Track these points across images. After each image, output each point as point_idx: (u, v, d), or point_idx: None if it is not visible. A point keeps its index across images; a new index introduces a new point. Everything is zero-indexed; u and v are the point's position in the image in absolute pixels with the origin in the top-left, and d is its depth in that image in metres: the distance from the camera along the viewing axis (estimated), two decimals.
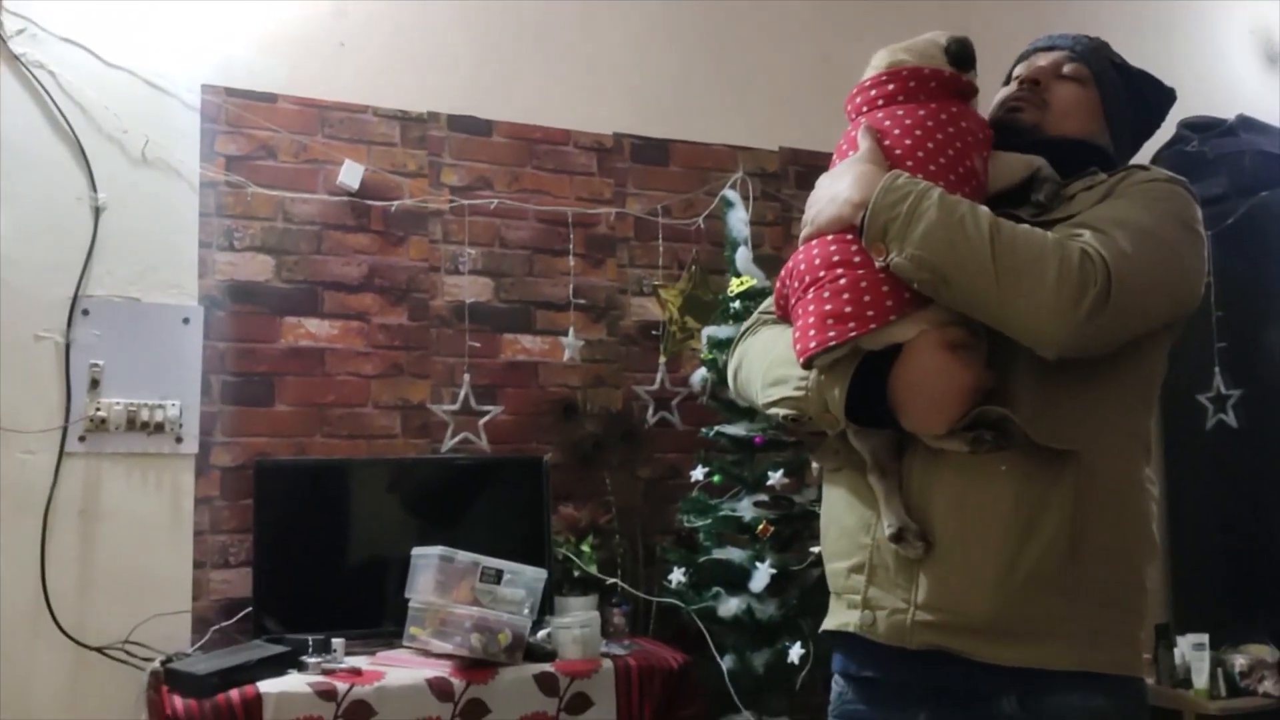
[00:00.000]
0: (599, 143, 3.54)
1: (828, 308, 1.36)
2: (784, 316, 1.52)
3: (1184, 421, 4.18)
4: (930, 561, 1.38)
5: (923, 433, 1.38)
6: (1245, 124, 4.23)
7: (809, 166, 3.76)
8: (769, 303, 1.60)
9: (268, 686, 2.44)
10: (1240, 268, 4.00)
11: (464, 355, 3.26)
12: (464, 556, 2.68)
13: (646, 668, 2.80)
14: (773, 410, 1.48)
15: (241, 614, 2.87)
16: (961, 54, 1.53)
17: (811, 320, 1.37)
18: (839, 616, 1.51)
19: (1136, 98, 1.63)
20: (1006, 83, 1.66)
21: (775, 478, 3.03)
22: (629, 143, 3.58)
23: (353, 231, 3.19)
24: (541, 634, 2.81)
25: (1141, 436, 1.45)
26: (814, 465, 1.66)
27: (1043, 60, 1.61)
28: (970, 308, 1.33)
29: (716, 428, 3.16)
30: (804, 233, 1.46)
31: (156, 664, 2.61)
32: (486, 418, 3.23)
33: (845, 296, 1.35)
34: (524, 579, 2.72)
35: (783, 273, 1.49)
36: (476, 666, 2.62)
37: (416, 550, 2.70)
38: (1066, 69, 1.59)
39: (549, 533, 3.08)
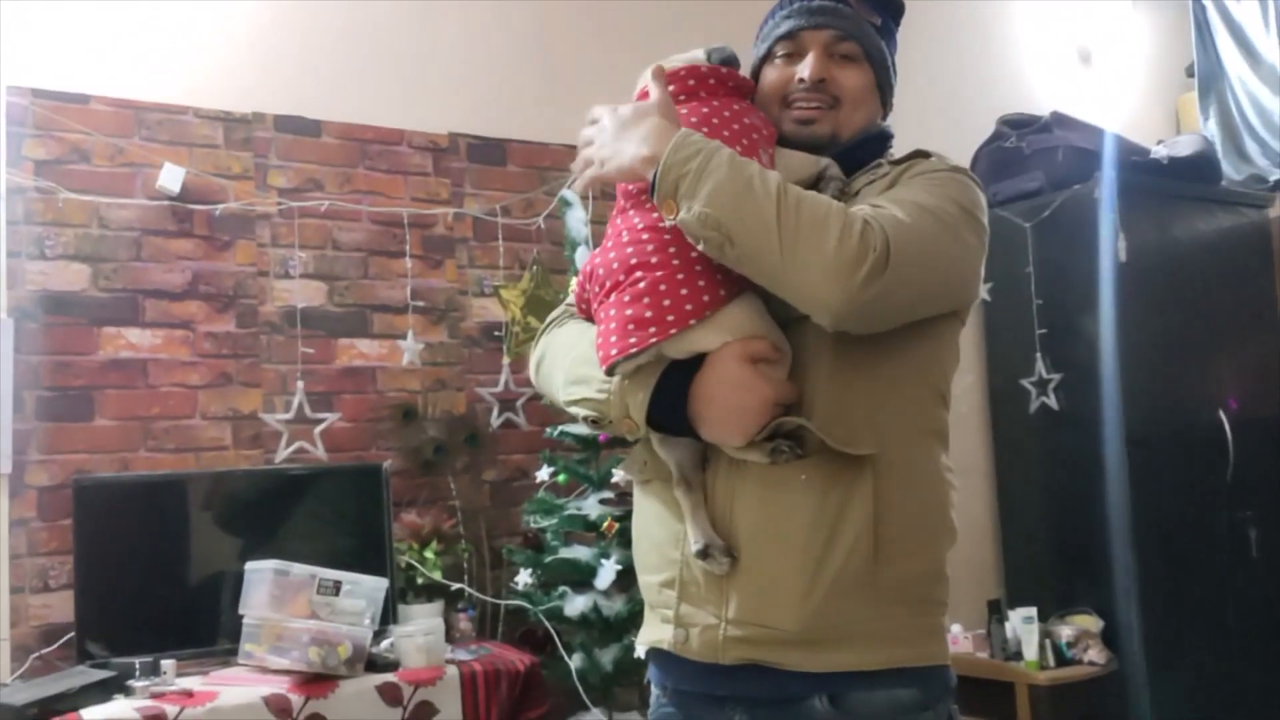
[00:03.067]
0: (434, 142, 3.50)
1: (628, 312, 1.35)
2: (587, 317, 1.51)
3: (1008, 405, 4.37)
4: (737, 576, 1.39)
5: (722, 444, 1.39)
6: (1059, 121, 4.43)
7: None
8: (574, 295, 1.58)
9: (92, 714, 2.33)
10: (1057, 258, 4.20)
11: (297, 362, 3.18)
12: (300, 569, 2.61)
13: (493, 671, 2.78)
14: (573, 409, 1.48)
15: (63, 639, 2.73)
16: (725, 63, 1.53)
17: (614, 326, 1.37)
18: (654, 631, 1.51)
19: (893, 39, 1.60)
20: (765, 58, 1.57)
21: (620, 475, 3.04)
22: (465, 142, 3.55)
23: (175, 237, 3.07)
24: (384, 644, 2.76)
25: (938, 429, 1.47)
26: (624, 477, 1.66)
27: (813, 44, 1.52)
28: (753, 269, 1.33)
29: (561, 427, 3.15)
30: (587, 174, 1.42)
31: None
32: (322, 426, 3.16)
33: (645, 301, 1.35)
34: (363, 589, 2.67)
35: (581, 275, 1.48)
36: (316, 680, 2.56)
37: (250, 564, 2.62)
38: (842, 50, 1.52)
39: (390, 541, 3.03)
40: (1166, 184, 4.30)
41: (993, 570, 4.40)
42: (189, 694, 2.46)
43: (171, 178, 3.03)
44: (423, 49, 3.51)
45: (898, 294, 1.31)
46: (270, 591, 2.57)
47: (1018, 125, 4.48)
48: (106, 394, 2.94)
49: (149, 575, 2.80)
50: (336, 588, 2.63)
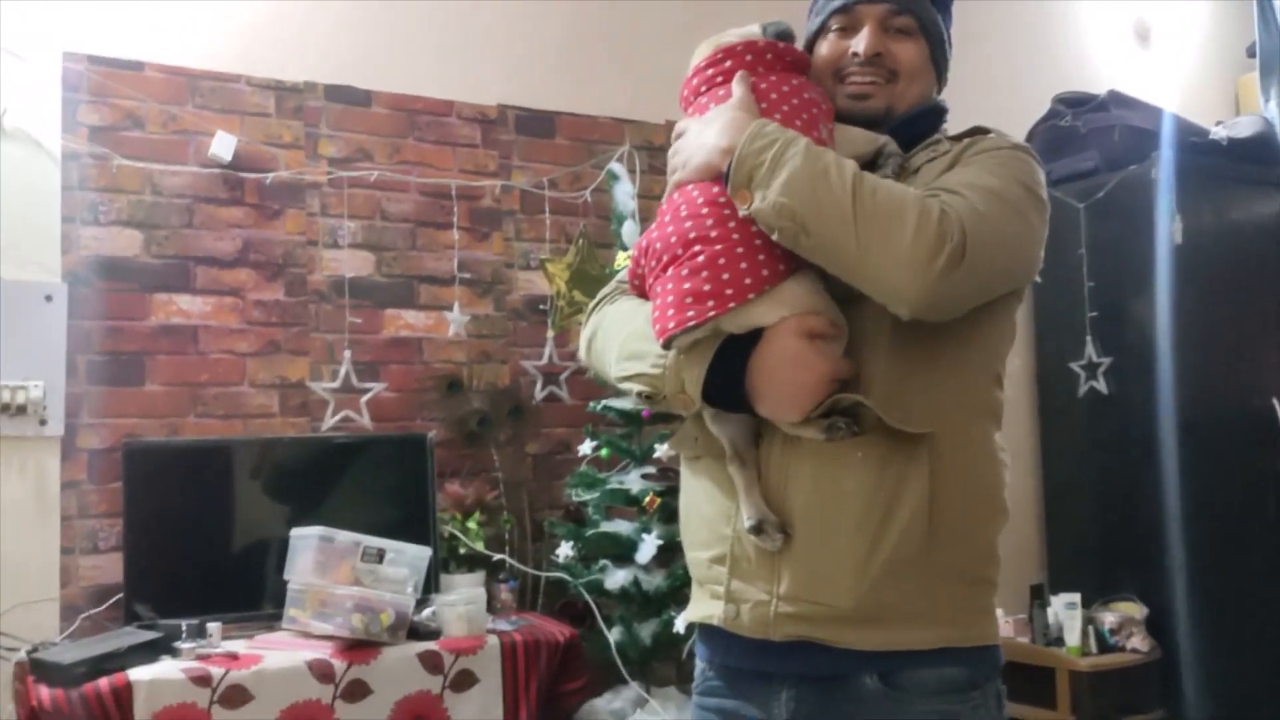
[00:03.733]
0: (483, 114, 3.49)
1: (686, 286, 1.34)
2: (641, 294, 1.50)
3: (1057, 388, 4.31)
4: (791, 552, 1.39)
5: (778, 420, 1.38)
6: (1116, 99, 4.35)
7: None
8: (625, 272, 1.57)
9: (139, 674, 2.36)
10: (1110, 239, 4.13)
11: (344, 331, 3.20)
12: (344, 536, 2.64)
13: (533, 642, 2.79)
14: (626, 385, 1.46)
15: (112, 600, 2.78)
16: (782, 36, 1.52)
17: (670, 300, 1.35)
18: (703, 607, 1.51)
19: (949, 12, 1.60)
20: (819, 31, 1.56)
21: (662, 450, 3.04)
22: (514, 114, 3.54)
23: (226, 205, 3.09)
24: (426, 612, 2.78)
25: (992, 408, 1.47)
26: (668, 452, 1.65)
27: (868, 17, 1.51)
28: (828, 259, 1.32)
29: (605, 402, 3.16)
30: (674, 178, 1.45)
31: (22, 654, 2.51)
32: (368, 395, 3.18)
33: (704, 275, 1.33)
34: (407, 558, 2.69)
35: (636, 251, 1.47)
36: (358, 647, 2.58)
37: (295, 530, 2.66)
38: (897, 23, 1.51)
39: (434, 511, 3.05)
40: (1225, 166, 4.21)
41: (1035, 555, 4.36)
42: (234, 656, 2.50)
43: (223, 146, 3.05)
44: (473, 20, 3.50)
45: (972, 283, 1.31)
46: (315, 558, 2.60)
47: (1074, 104, 4.39)
48: (157, 359, 2.97)
49: (196, 539, 2.84)
50: (380, 555, 2.66)
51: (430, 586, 2.84)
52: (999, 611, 3.92)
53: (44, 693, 2.33)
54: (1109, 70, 4.77)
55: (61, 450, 2.82)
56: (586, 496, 3.12)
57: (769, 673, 1.44)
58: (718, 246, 1.34)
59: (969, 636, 1.41)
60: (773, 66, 1.48)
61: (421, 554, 2.72)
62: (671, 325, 1.34)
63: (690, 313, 1.33)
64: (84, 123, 2.93)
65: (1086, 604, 3.83)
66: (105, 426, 2.88)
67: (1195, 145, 4.14)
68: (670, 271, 1.37)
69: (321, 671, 2.51)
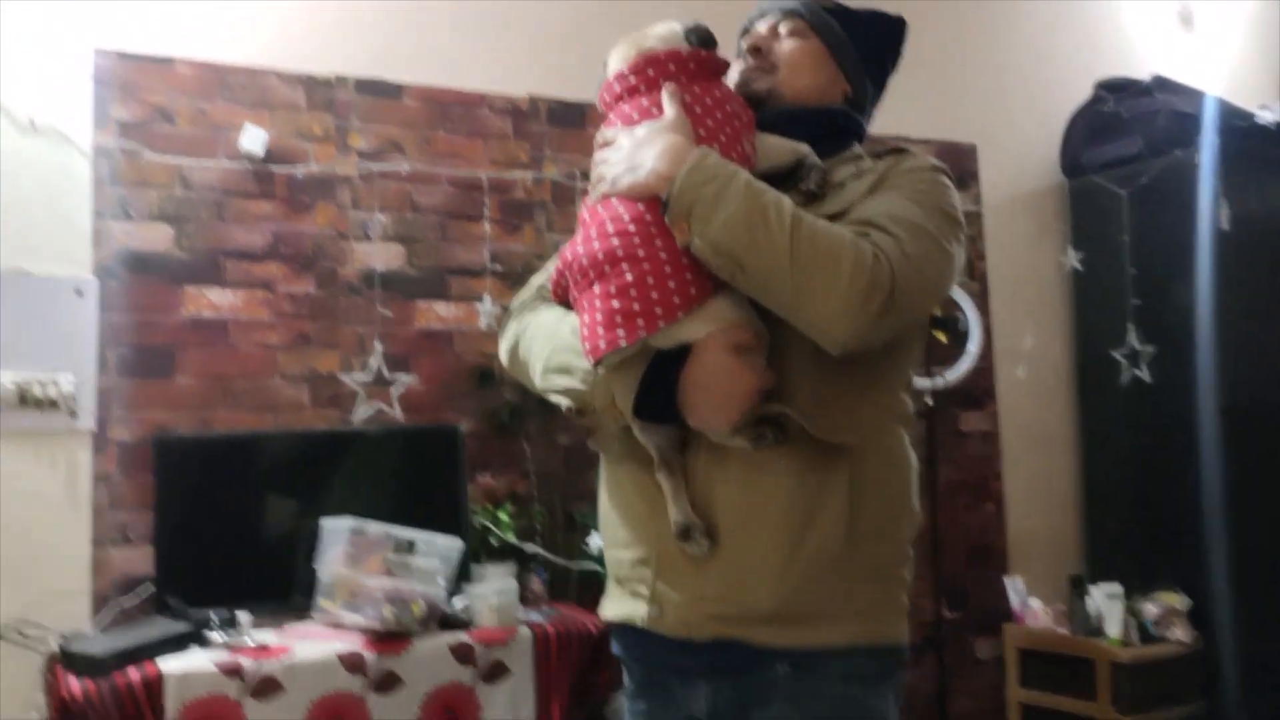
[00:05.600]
0: (514, 105, 3.48)
1: (615, 305, 1.35)
2: (562, 303, 1.52)
3: (1098, 376, 4.25)
4: (716, 555, 1.43)
5: (708, 431, 1.41)
6: (1160, 84, 4.27)
7: None
8: (544, 277, 1.60)
9: (170, 665, 2.37)
10: (1154, 226, 4.06)
11: (375, 324, 3.20)
12: (375, 528, 2.64)
13: (565, 634, 2.78)
14: (553, 397, 1.49)
15: (143, 591, 2.80)
16: (705, 41, 1.54)
17: (600, 318, 1.36)
18: (622, 606, 1.54)
19: (863, 35, 1.65)
20: (739, 57, 1.66)
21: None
22: (545, 105, 3.52)
23: (256, 198, 3.10)
24: (457, 603, 2.78)
25: (904, 413, 1.53)
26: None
27: (761, 28, 1.63)
28: (763, 297, 1.36)
29: None
30: (597, 190, 1.45)
31: (53, 644, 2.53)
32: (399, 387, 3.18)
33: (632, 294, 1.34)
34: (438, 549, 2.69)
35: (560, 261, 1.47)
36: (389, 638, 2.58)
37: (326, 522, 2.65)
38: (783, 28, 1.61)
39: (465, 502, 3.04)
40: (1272, 150, 4.12)
41: (1075, 544, 4.30)
42: (264, 648, 2.50)
43: (253, 139, 3.06)
44: (503, 11, 3.49)
45: (899, 322, 1.37)
46: (346, 549, 2.60)
47: (1116, 89, 4.32)
48: (188, 353, 2.98)
49: (226, 530, 2.85)
50: (411, 546, 2.65)
51: (462, 578, 2.83)
52: (1036, 601, 3.90)
53: (74, 683, 2.34)
54: (1152, 54, 4.69)
55: (93, 443, 2.84)
56: None
57: (687, 668, 1.49)
58: (645, 265, 1.35)
59: (881, 634, 1.47)
60: (696, 76, 1.50)
61: (452, 545, 2.71)
62: (602, 345, 1.35)
63: (620, 332, 1.34)
64: (115, 118, 2.95)
65: (1127, 594, 3.77)
66: (136, 420, 2.90)
67: (1240, 129, 4.06)
68: (597, 288, 1.38)
69: (353, 663, 2.51)
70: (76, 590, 2.75)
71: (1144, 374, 4.02)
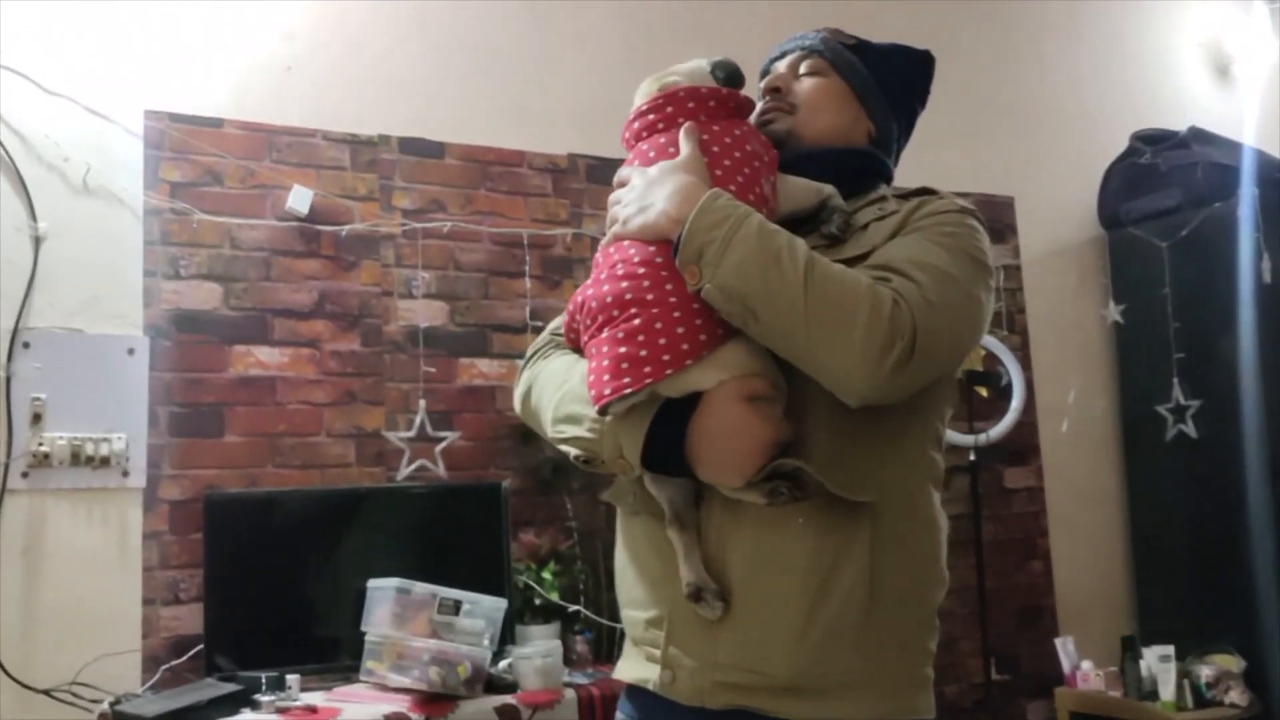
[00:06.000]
0: (553, 163, 3.51)
1: (622, 350, 1.30)
2: (575, 348, 1.47)
3: (1144, 432, 4.20)
4: (729, 619, 1.36)
5: (719, 484, 1.35)
6: (1197, 136, 4.27)
7: None
8: (559, 322, 1.55)
9: None
10: (1196, 279, 4.04)
11: (419, 381, 3.21)
12: (421, 588, 2.62)
13: (610, 696, 2.74)
14: (563, 447, 1.43)
15: (193, 652, 2.79)
16: (731, 79, 1.50)
17: (606, 364, 1.31)
18: (637, 669, 1.46)
19: (886, 70, 1.59)
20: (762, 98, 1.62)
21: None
22: (584, 163, 3.55)
23: (302, 257, 3.13)
24: (502, 665, 2.75)
25: (933, 471, 1.45)
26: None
27: (780, 67, 1.59)
28: (777, 345, 1.30)
29: None
30: (614, 230, 1.40)
31: (105, 706, 2.51)
32: (443, 444, 3.18)
33: (640, 339, 1.29)
34: (483, 609, 2.67)
35: (571, 305, 1.43)
36: (436, 700, 2.56)
37: (372, 582, 2.64)
38: (803, 67, 1.57)
39: (509, 560, 3.02)
40: None
41: (1126, 605, 4.23)
42: (313, 710, 2.48)
43: (300, 199, 3.09)
44: (542, 72, 3.53)
45: (922, 375, 1.29)
46: (392, 610, 2.59)
47: (1153, 141, 4.32)
48: (236, 410, 2.99)
49: (275, 590, 2.84)
50: (457, 607, 2.63)
51: (506, 638, 2.80)
52: (1087, 664, 3.83)
53: None
54: (1188, 106, 4.69)
55: (143, 501, 2.84)
56: None
57: None
58: (654, 310, 1.30)
59: (907, 709, 1.39)
60: (715, 114, 1.45)
61: (498, 605, 2.69)
62: (608, 392, 1.30)
63: (626, 379, 1.29)
64: (165, 179, 2.99)
65: (1181, 656, 3.69)
66: (186, 477, 2.90)
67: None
68: (605, 333, 1.33)
69: None
70: (127, 649, 2.74)
71: (1190, 429, 3.97)
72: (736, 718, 1.37)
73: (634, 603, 1.48)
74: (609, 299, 1.33)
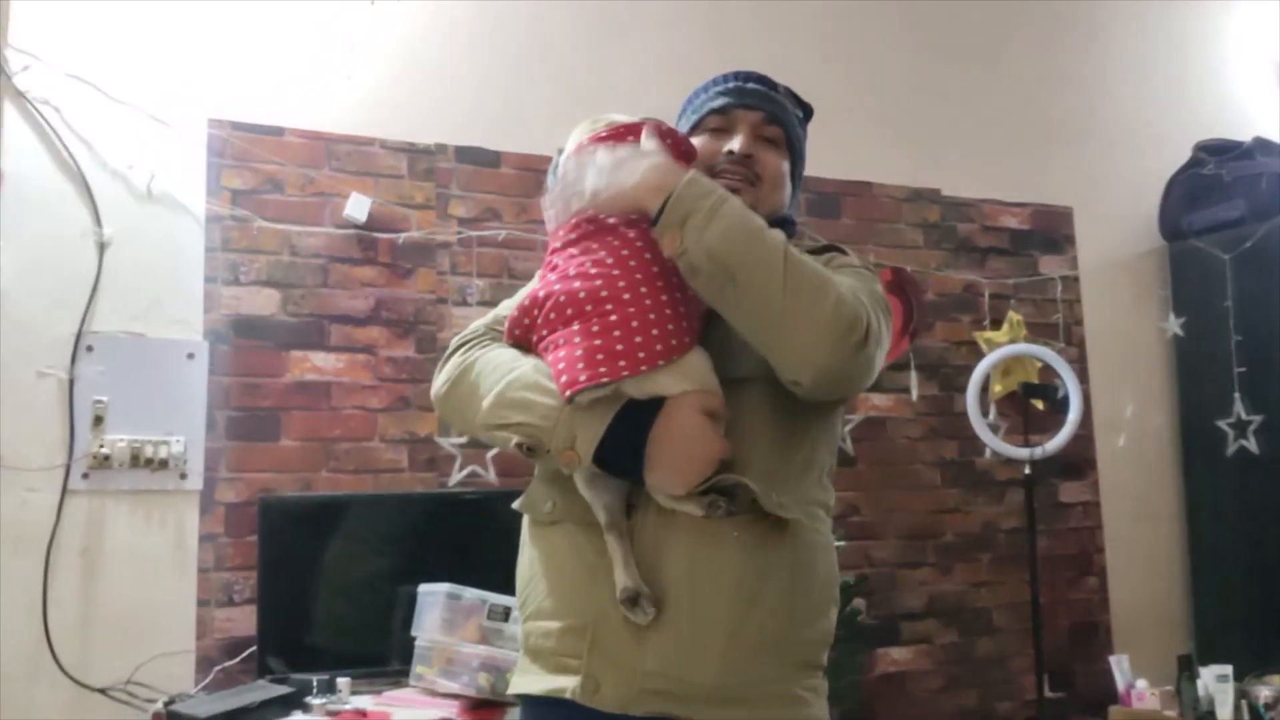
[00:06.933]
0: None
1: (597, 343, 1.35)
2: (517, 343, 1.49)
3: (1204, 447, 4.13)
4: (658, 627, 1.39)
5: (663, 491, 1.39)
6: (1262, 146, 4.19)
7: (819, 193, 3.74)
8: (494, 318, 1.59)
9: None
10: (1259, 291, 3.96)
11: None
12: (471, 594, 2.63)
13: None
14: (501, 433, 1.44)
15: (245, 653, 2.83)
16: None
17: (580, 354, 1.35)
18: (546, 681, 1.46)
19: (803, 136, 1.71)
20: (694, 128, 1.66)
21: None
22: None
23: (359, 264, 3.16)
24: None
25: (828, 504, 1.55)
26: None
27: (743, 122, 1.62)
28: (747, 313, 1.35)
29: None
30: (575, 206, 1.44)
31: (159, 705, 2.56)
32: (494, 450, 3.19)
33: (616, 334, 1.35)
34: None
35: (527, 300, 1.45)
36: (484, 706, 2.56)
37: (423, 587, 2.66)
38: (768, 133, 1.62)
39: None
40: None
41: (1182, 623, 4.16)
42: (363, 714, 2.51)
43: (358, 207, 3.12)
44: (598, 82, 3.53)
45: (865, 368, 1.38)
46: (442, 615, 2.60)
47: (1217, 151, 4.24)
48: (292, 415, 3.03)
49: (327, 593, 2.87)
50: (506, 614, 2.64)
51: None
52: (1142, 683, 3.76)
53: None
54: (1253, 116, 4.60)
55: (200, 504, 2.89)
56: None
57: None
58: (630, 309, 1.36)
59: (812, 718, 1.46)
60: (671, 151, 1.49)
61: None
62: (583, 379, 1.34)
63: (603, 369, 1.33)
64: (227, 186, 3.03)
65: (1239, 677, 3.61)
66: (241, 480, 2.95)
67: None
68: (577, 326, 1.37)
69: None
70: (181, 650, 2.79)
71: (1251, 444, 3.89)
72: None
73: (546, 613, 1.49)
74: (581, 294, 1.38)
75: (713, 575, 1.39)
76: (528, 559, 1.56)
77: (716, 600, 1.39)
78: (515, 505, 1.57)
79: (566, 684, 1.43)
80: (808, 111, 1.73)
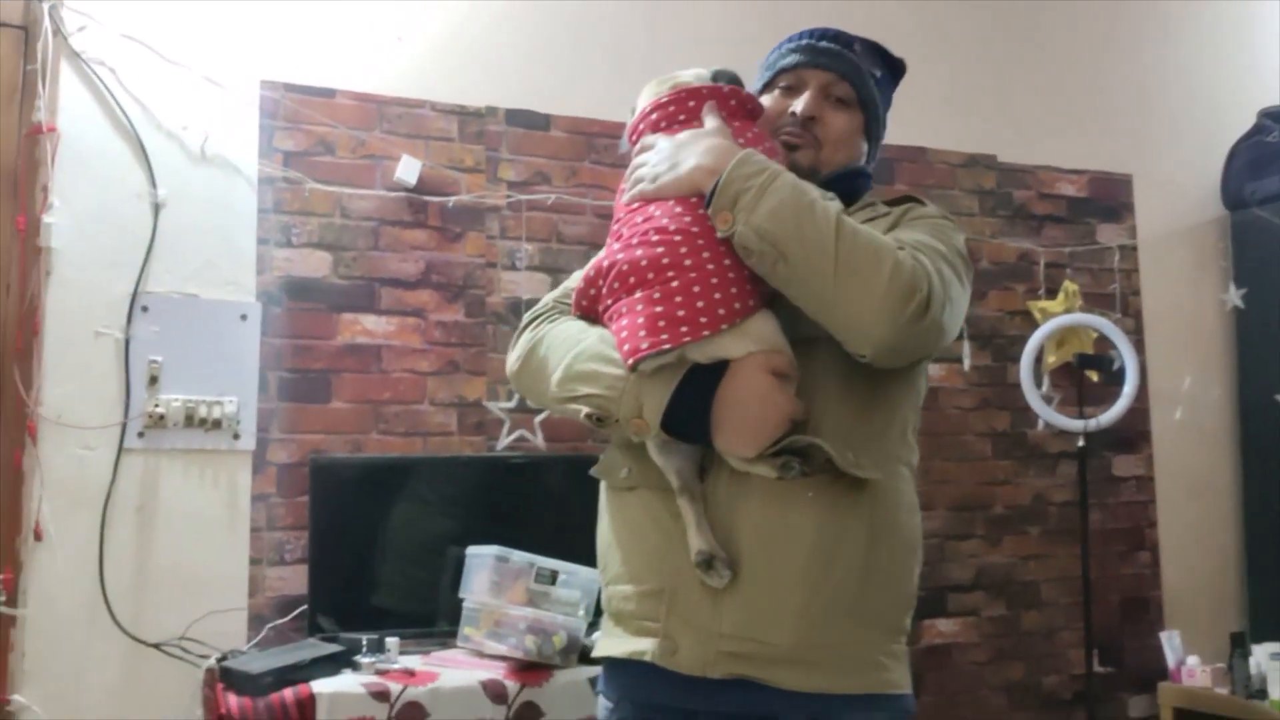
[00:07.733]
0: None
1: (659, 310, 1.34)
2: (585, 315, 1.50)
3: (1261, 421, 4.06)
4: (734, 589, 1.40)
5: (733, 454, 1.39)
6: None
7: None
8: (563, 291, 1.60)
9: (321, 686, 2.42)
10: None
11: None
12: (519, 556, 2.65)
13: None
14: (571, 405, 1.44)
15: (296, 612, 2.86)
16: (731, 84, 1.57)
17: (641, 321, 1.35)
18: (627, 643, 1.49)
19: (886, 97, 1.68)
20: (766, 86, 1.67)
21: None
22: None
23: (410, 227, 3.16)
24: (596, 635, 2.76)
25: (912, 459, 1.53)
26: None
27: (812, 82, 1.60)
28: (800, 290, 1.35)
29: None
30: (637, 190, 1.46)
31: (212, 661, 2.61)
32: (542, 415, 3.20)
33: (678, 300, 1.34)
34: (579, 580, 2.68)
35: (592, 271, 1.46)
36: (531, 669, 2.59)
37: (471, 550, 2.68)
38: (838, 91, 1.61)
39: None
40: None
41: (1236, 600, 4.10)
42: (411, 673, 2.53)
43: (408, 170, 3.12)
44: (649, 45, 3.50)
45: (929, 335, 1.36)
46: (490, 577, 2.62)
47: None
48: (343, 377, 3.05)
49: (376, 554, 2.91)
50: (553, 577, 2.65)
51: (600, 609, 2.82)
52: (1194, 659, 3.73)
53: (232, 700, 2.40)
54: None
55: (252, 464, 2.92)
56: None
57: (695, 711, 1.45)
58: (692, 275, 1.36)
59: (891, 683, 1.45)
60: (735, 112, 1.52)
61: (593, 576, 2.66)
62: (645, 347, 1.34)
63: (664, 336, 1.33)
64: (279, 148, 3.04)
65: None
66: (293, 441, 2.97)
67: None
68: (640, 294, 1.37)
69: (495, 692, 2.52)
70: (234, 607, 2.82)
71: None
72: (735, 688, 1.41)
73: (625, 578, 1.51)
74: (643, 262, 1.38)
75: (788, 537, 1.39)
76: (606, 524, 1.58)
77: (792, 562, 1.39)
78: (592, 471, 1.59)
79: (646, 646, 1.45)
80: (895, 66, 1.70)
